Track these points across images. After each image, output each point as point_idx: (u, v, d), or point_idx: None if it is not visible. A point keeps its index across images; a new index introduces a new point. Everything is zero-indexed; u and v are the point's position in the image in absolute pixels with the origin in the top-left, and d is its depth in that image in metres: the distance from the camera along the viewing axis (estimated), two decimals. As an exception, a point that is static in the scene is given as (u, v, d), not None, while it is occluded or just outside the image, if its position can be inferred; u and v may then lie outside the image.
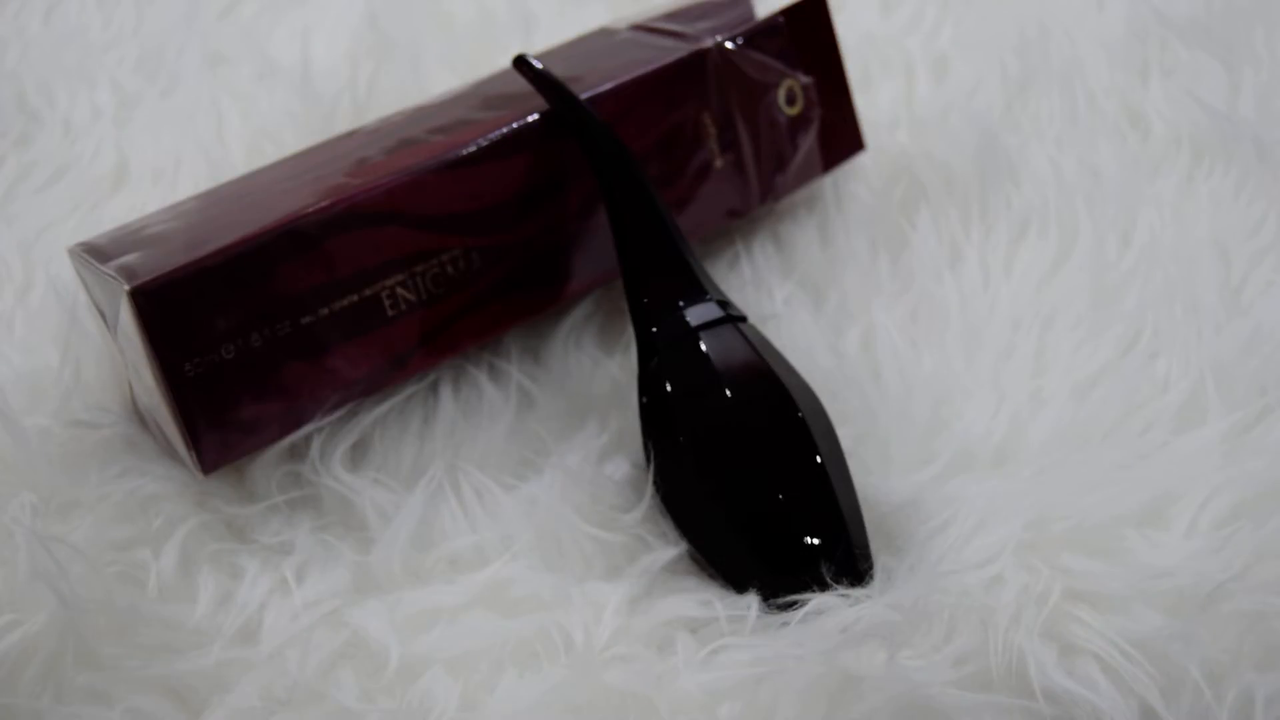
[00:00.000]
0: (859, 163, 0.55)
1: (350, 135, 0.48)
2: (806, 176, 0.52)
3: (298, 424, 0.42)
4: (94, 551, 0.40)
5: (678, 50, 0.48)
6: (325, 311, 0.42)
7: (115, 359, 0.44)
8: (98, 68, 0.63)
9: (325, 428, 0.43)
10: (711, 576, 0.40)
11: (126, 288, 0.39)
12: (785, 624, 0.37)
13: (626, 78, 0.47)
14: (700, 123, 0.49)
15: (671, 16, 0.52)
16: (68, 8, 0.68)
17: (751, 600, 0.38)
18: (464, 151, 0.44)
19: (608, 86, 0.46)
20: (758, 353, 0.42)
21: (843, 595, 0.37)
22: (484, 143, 0.44)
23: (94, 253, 0.41)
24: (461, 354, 0.46)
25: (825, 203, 0.54)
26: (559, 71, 0.46)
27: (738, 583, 0.39)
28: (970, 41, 0.62)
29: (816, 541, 0.39)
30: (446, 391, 0.46)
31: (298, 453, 0.44)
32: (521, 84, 0.46)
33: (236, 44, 0.65)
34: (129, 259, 0.40)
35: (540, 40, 0.64)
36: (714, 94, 0.49)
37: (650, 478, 0.42)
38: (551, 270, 0.46)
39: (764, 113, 0.50)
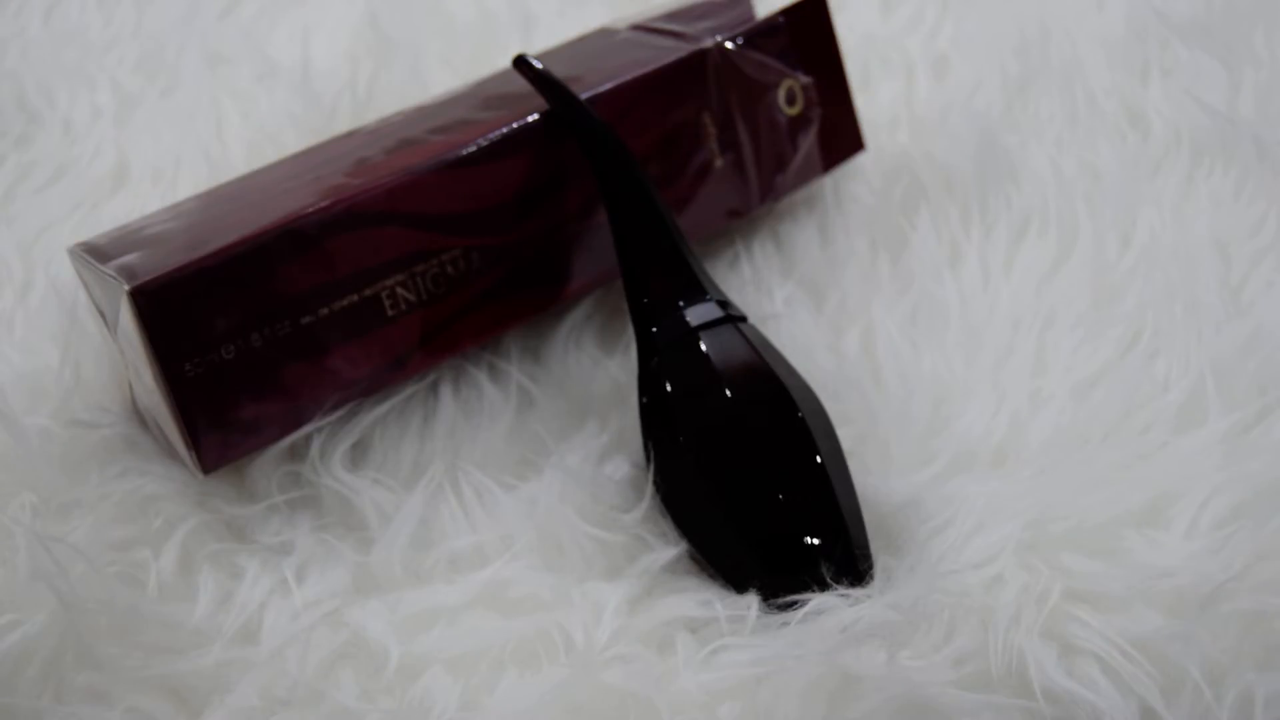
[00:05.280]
0: (859, 163, 0.55)
1: (350, 135, 0.48)
2: (806, 176, 0.52)
3: (298, 424, 0.42)
4: (94, 551, 0.40)
5: (678, 50, 0.48)
6: (325, 311, 0.42)
7: (115, 359, 0.44)
8: (98, 68, 0.63)
9: (325, 428, 0.43)
10: (711, 576, 0.40)
11: (126, 288, 0.39)
12: (785, 624, 0.37)
13: (626, 78, 0.47)
14: (700, 123, 0.49)
15: (671, 16, 0.52)
16: (68, 8, 0.68)
17: (751, 600, 0.38)
18: (464, 151, 0.44)
19: (608, 86, 0.46)
20: (758, 353, 0.42)
21: (843, 595, 0.37)
22: (484, 143, 0.44)
23: (94, 253, 0.41)
24: (461, 354, 0.46)
25: (825, 203, 0.54)
26: (559, 71, 0.46)
27: (738, 583, 0.39)
28: (970, 41, 0.62)
29: (816, 541, 0.39)
30: (446, 391, 0.46)
31: (298, 453, 0.44)
32: (521, 84, 0.46)
33: (236, 44, 0.65)
34: (129, 259, 0.40)
35: (540, 40, 0.64)
36: (714, 94, 0.49)
37: (650, 478, 0.42)
38: (551, 270, 0.46)
39: (764, 113, 0.50)
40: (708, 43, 0.49)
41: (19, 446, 0.42)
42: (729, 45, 0.49)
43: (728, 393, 0.41)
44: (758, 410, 0.41)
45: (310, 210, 0.41)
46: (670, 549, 0.40)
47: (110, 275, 0.40)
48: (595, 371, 0.47)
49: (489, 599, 0.39)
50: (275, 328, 0.41)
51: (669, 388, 0.42)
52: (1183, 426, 0.43)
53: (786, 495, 0.39)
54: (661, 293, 0.43)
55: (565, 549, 0.41)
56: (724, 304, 0.43)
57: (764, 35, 0.50)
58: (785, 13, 0.51)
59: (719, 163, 0.49)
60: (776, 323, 0.49)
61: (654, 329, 0.43)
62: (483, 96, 0.49)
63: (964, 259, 0.50)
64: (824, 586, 0.38)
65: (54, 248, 0.52)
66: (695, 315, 0.42)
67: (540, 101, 0.45)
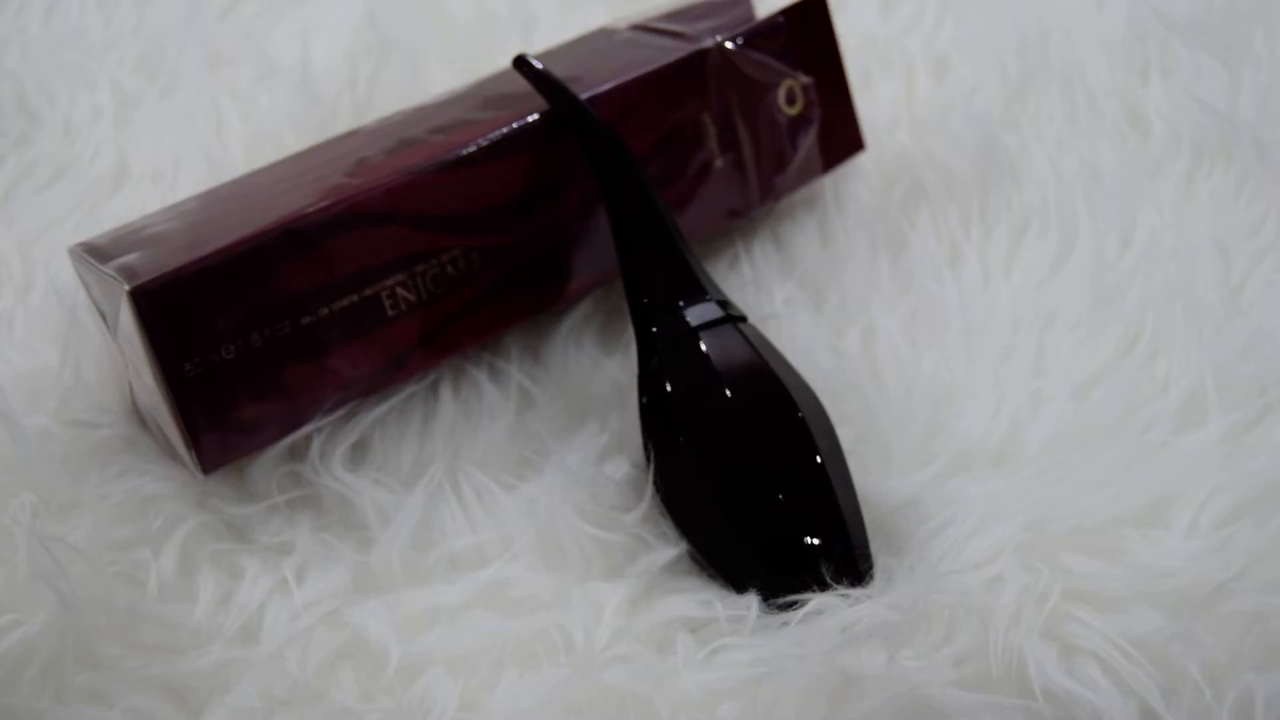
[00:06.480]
0: (859, 163, 0.55)
1: (350, 135, 0.48)
2: (806, 176, 0.52)
3: (298, 424, 0.42)
4: (94, 551, 0.40)
5: (678, 50, 0.48)
6: (325, 311, 0.42)
7: (115, 359, 0.44)
8: (98, 68, 0.63)
9: (325, 428, 0.43)
10: (711, 576, 0.40)
11: (126, 288, 0.39)
12: (785, 624, 0.37)
13: (626, 78, 0.47)
14: (700, 123, 0.49)
15: (671, 16, 0.52)
16: (68, 8, 0.68)
17: (751, 600, 0.38)
18: (464, 151, 0.44)
19: (608, 86, 0.46)
20: (758, 353, 0.42)
21: (843, 595, 0.37)
22: (484, 143, 0.44)
23: (94, 253, 0.41)
24: (461, 354, 0.46)
25: (825, 203, 0.54)
26: (559, 71, 0.46)
27: (738, 583, 0.39)
28: (970, 42, 0.62)
29: (816, 541, 0.39)
30: (446, 391, 0.46)
31: (298, 453, 0.44)
32: (521, 84, 0.46)
33: (236, 44, 0.65)
34: (129, 259, 0.40)
35: (540, 40, 0.64)
36: (714, 94, 0.49)
37: (650, 478, 0.42)
38: (551, 270, 0.46)
39: (764, 113, 0.50)
40: (708, 43, 0.49)
41: (19, 446, 0.42)
42: (729, 45, 0.49)
43: (728, 393, 0.41)
44: (758, 410, 0.41)
45: (310, 210, 0.41)
46: (670, 549, 0.40)
47: (110, 275, 0.40)
48: (595, 371, 0.47)
49: (489, 599, 0.39)
50: (275, 328, 0.41)
51: (669, 388, 0.42)
52: (1183, 426, 0.43)
53: (786, 495, 0.39)
54: (661, 293, 0.43)
55: (565, 549, 0.41)
56: (724, 304, 0.43)
57: (764, 35, 0.50)
58: (785, 13, 0.51)
59: (719, 163, 0.49)
60: (776, 323, 0.49)
61: (654, 329, 0.43)
62: (483, 96, 0.49)
63: (964, 259, 0.50)
64: (824, 586, 0.38)
65: (54, 248, 0.52)
66: (695, 315, 0.42)
67: (540, 101, 0.45)
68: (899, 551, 0.40)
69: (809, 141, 0.52)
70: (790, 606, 0.38)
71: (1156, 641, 0.36)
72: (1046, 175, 0.53)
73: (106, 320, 0.42)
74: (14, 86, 0.62)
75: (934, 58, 0.62)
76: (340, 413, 0.43)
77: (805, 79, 0.51)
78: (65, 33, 0.66)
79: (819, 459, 0.40)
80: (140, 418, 0.44)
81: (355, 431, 0.44)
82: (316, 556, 0.41)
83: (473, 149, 0.44)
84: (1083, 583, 0.37)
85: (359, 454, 0.44)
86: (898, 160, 0.55)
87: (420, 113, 0.48)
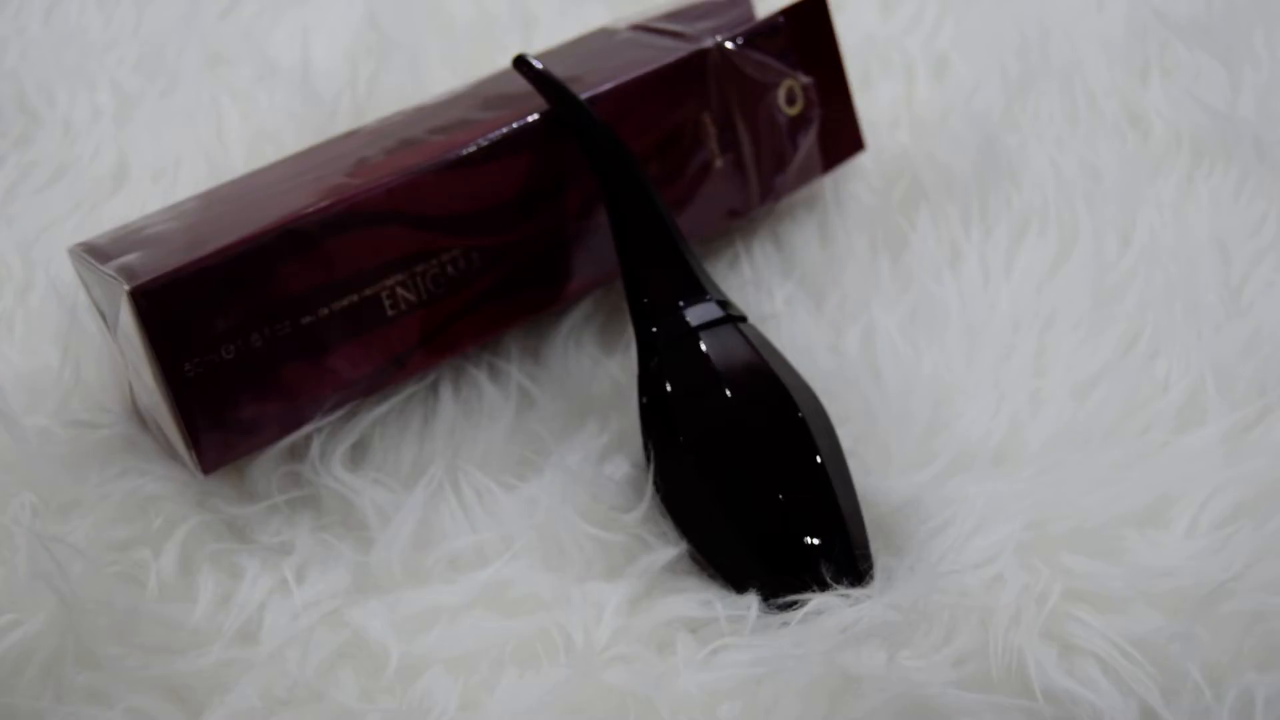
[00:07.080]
0: (859, 163, 0.55)
1: (350, 135, 0.48)
2: (806, 176, 0.52)
3: (298, 424, 0.42)
4: (94, 551, 0.40)
5: (678, 50, 0.48)
6: (325, 311, 0.42)
7: (115, 359, 0.44)
8: (98, 68, 0.64)
9: (325, 428, 0.43)
10: (711, 576, 0.40)
11: (126, 288, 0.39)
12: (785, 624, 0.37)
13: (626, 78, 0.47)
14: (700, 123, 0.49)
15: (671, 16, 0.52)
16: (68, 8, 0.68)
17: (751, 600, 0.38)
18: (464, 151, 0.44)
19: (608, 86, 0.46)
20: (758, 353, 0.42)
21: (843, 595, 0.37)
22: (484, 143, 0.44)
23: (94, 253, 0.41)
24: (461, 354, 0.46)
25: (825, 203, 0.54)
26: (559, 71, 0.46)
27: (738, 583, 0.39)
28: (970, 42, 0.62)
29: (816, 541, 0.39)
30: (446, 391, 0.46)
31: (298, 453, 0.44)
32: (521, 84, 0.46)
33: (236, 44, 0.65)
34: (129, 259, 0.40)
35: (540, 40, 0.64)
36: (714, 94, 0.49)
37: (650, 478, 0.42)
38: (551, 270, 0.46)
39: (764, 113, 0.50)
40: (708, 43, 0.49)
41: (19, 446, 0.42)
42: (729, 45, 0.49)
43: (728, 393, 0.41)
44: (758, 410, 0.41)
45: (310, 210, 0.41)
46: (670, 549, 0.40)
47: (110, 275, 0.40)
48: (595, 371, 0.47)
49: (489, 599, 0.39)
50: (275, 328, 0.41)
51: (669, 388, 0.42)
52: (1183, 426, 0.43)
53: (786, 495, 0.39)
54: (661, 293, 0.43)
55: (565, 549, 0.41)
56: (724, 304, 0.43)
57: (764, 35, 0.50)
58: (785, 13, 0.51)
59: (719, 163, 0.49)
60: (776, 323, 0.49)
61: (654, 329, 0.43)
62: (483, 96, 0.49)
63: (964, 259, 0.50)
64: (824, 586, 0.38)
65: (54, 248, 0.52)
66: (695, 315, 0.43)
67: (540, 101, 0.45)
68: (899, 551, 0.40)
69: (809, 141, 0.52)
70: (790, 606, 0.38)
71: (1156, 641, 0.36)
72: (1046, 175, 0.53)
73: (106, 320, 0.42)
74: (14, 86, 0.62)
75: (934, 58, 0.62)
76: (340, 413, 0.43)
77: (805, 79, 0.51)
78: (65, 33, 0.66)
79: (819, 459, 0.40)
80: (140, 418, 0.44)
81: (355, 431, 0.44)
82: (316, 556, 0.41)
83: (473, 149, 0.44)
84: (1083, 583, 0.37)
85: (359, 454, 0.44)
86: (898, 160, 0.55)
87: (420, 113, 0.48)
